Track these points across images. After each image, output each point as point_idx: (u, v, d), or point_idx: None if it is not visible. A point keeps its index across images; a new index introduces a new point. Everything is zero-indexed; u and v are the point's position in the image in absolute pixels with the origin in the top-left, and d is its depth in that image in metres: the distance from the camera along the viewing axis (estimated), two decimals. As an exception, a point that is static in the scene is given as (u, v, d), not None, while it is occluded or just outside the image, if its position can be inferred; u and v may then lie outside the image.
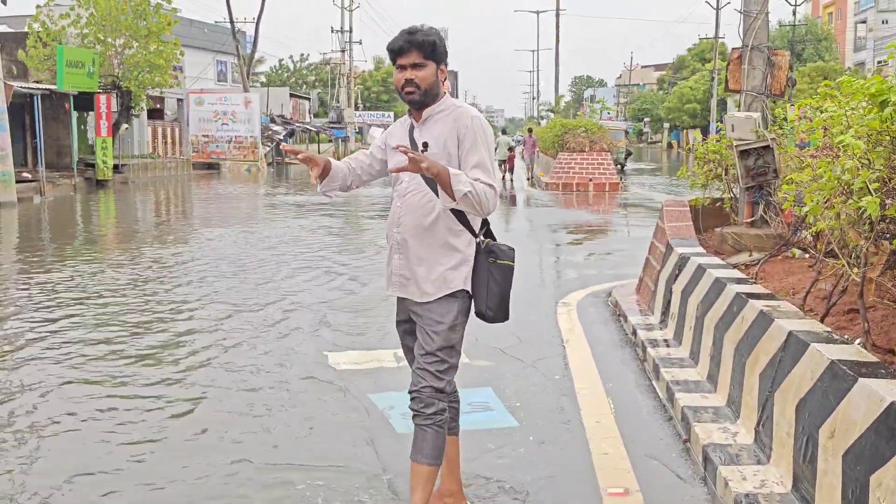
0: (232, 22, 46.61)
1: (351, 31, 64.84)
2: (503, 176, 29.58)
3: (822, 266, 5.67)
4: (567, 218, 19.24)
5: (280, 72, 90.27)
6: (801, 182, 5.20)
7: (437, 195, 3.56)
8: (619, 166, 38.57)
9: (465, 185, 3.45)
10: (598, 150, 27.91)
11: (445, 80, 3.76)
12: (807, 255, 7.12)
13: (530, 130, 34.34)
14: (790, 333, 4.35)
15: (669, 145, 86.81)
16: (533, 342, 7.18)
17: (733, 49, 8.18)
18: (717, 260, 6.85)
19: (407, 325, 3.87)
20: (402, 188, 3.73)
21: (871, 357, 3.83)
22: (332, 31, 65.28)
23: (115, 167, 32.83)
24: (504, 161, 30.09)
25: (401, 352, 4.11)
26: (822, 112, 5.71)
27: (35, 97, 27.99)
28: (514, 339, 7.16)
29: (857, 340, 4.56)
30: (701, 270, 6.49)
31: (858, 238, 4.50)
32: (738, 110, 8.09)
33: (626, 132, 47.22)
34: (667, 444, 4.85)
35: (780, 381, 4.27)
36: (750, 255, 7.31)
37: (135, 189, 30.44)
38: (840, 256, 4.85)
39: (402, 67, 3.63)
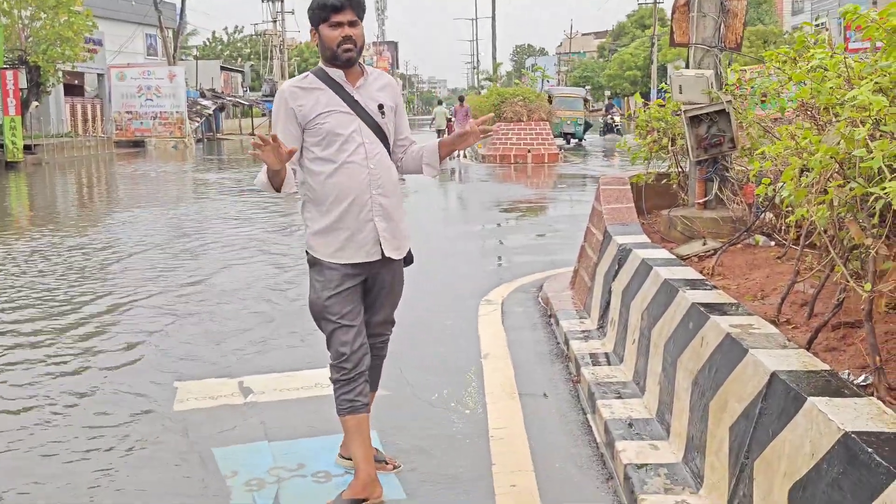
0: (152, -10, 44.15)
1: (283, 1, 62.68)
2: None
3: (800, 262, 4.39)
4: (502, 193, 17.90)
5: (214, 45, 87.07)
6: (775, 156, 3.89)
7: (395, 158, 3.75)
8: (576, 139, 36.98)
9: None
10: (536, 119, 26.64)
11: None
12: (772, 243, 5.87)
13: (461, 99, 32.08)
14: (773, 375, 3.04)
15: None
16: (444, 358, 5.84)
17: (679, -6, 6.81)
18: (664, 253, 5.54)
19: (356, 286, 3.65)
20: (368, 150, 3.58)
21: (901, 423, 2.53)
22: (263, 1, 63.08)
23: (28, 147, 30.73)
24: (442, 131, 29.21)
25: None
26: (794, 64, 4.44)
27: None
28: (422, 355, 5.83)
29: (863, 378, 3.29)
30: (646, 267, 5.18)
31: (863, 235, 3.21)
32: (686, 68, 6.78)
33: (586, 100, 42.08)
34: (604, 524, 3.55)
35: (761, 446, 2.97)
36: (704, 244, 6.04)
37: (49, 170, 28.31)
38: (832, 252, 3.57)
39: (339, 24, 3.51)
